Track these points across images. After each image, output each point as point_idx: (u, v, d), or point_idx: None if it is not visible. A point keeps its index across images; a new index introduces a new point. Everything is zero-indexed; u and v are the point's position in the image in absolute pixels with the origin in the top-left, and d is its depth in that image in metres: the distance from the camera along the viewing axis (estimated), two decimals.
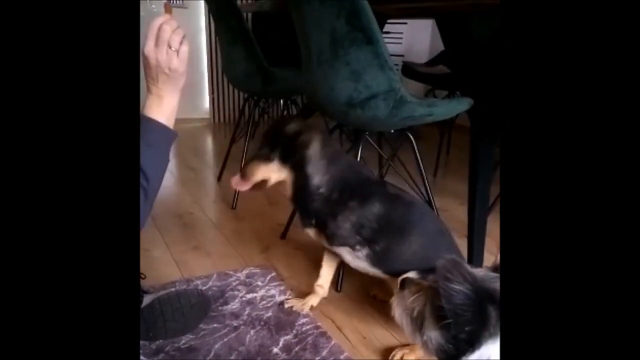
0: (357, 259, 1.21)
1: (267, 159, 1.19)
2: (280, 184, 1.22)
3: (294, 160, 1.17)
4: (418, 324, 0.70)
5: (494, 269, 0.71)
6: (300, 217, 1.26)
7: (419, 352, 1.16)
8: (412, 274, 1.15)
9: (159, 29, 0.87)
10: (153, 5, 3.27)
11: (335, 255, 1.34)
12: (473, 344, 0.61)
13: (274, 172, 1.20)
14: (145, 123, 0.90)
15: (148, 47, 0.88)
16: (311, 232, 1.25)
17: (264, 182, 1.21)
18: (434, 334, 0.66)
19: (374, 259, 1.19)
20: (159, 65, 0.89)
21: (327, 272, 1.37)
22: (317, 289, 1.36)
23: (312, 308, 1.34)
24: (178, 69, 0.91)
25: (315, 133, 1.19)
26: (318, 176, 1.17)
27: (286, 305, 1.34)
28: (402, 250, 1.17)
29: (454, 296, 0.61)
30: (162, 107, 0.92)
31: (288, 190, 1.22)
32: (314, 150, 1.17)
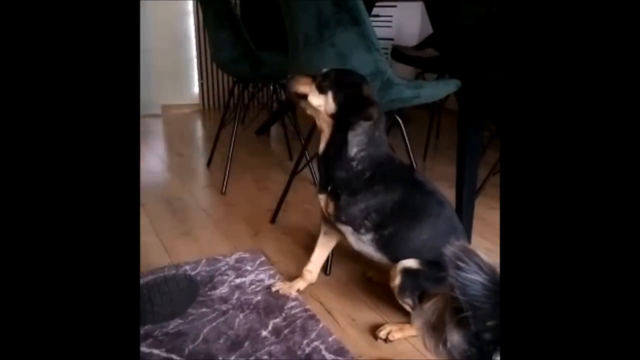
0: (361, 242, 1.22)
1: (322, 89, 1.14)
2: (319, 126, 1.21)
3: (345, 119, 1.13)
4: (439, 332, 0.62)
5: None
6: (319, 180, 1.25)
7: (407, 332, 1.17)
8: (412, 262, 1.16)
9: None
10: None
11: (332, 238, 1.34)
12: (498, 342, 0.54)
13: (315, 99, 1.15)
14: None
15: None
16: (322, 200, 1.24)
17: (302, 96, 1.17)
18: (456, 339, 0.59)
19: (379, 244, 1.19)
20: None
21: (318, 257, 1.37)
22: (305, 273, 1.36)
23: (299, 291, 1.34)
24: None
25: (377, 110, 1.14)
26: (355, 149, 1.15)
27: (273, 289, 1.35)
28: (410, 237, 1.17)
29: (470, 286, 0.53)
30: None
31: (322, 144, 1.20)
32: (366, 124, 1.14)
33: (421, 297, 0.83)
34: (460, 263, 0.54)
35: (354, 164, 1.16)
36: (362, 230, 1.19)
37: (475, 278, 0.53)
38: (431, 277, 1.12)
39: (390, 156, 1.21)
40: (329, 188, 1.21)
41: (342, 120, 1.14)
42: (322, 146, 1.20)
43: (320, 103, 1.15)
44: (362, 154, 1.15)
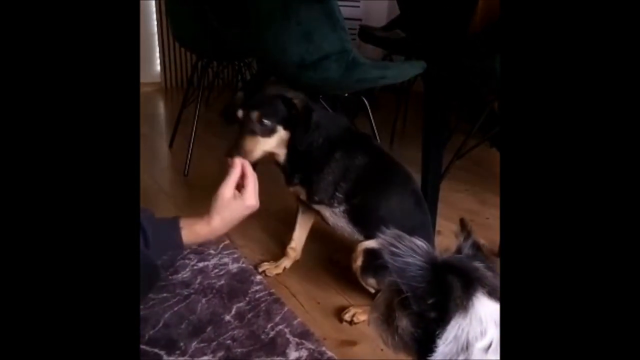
0: (335, 216, 1.22)
1: (270, 131, 1.15)
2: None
3: (296, 126, 1.14)
4: (391, 322, 0.63)
5: (457, 251, 0.65)
6: (285, 176, 1.25)
7: None
8: (374, 242, 1.15)
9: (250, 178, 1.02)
10: None
11: (309, 217, 1.34)
12: (441, 319, 0.55)
13: (275, 145, 1.17)
14: (173, 228, 0.99)
15: (253, 196, 1.02)
16: (293, 190, 1.26)
17: (268, 153, 1.18)
18: (404, 323, 0.60)
19: (351, 215, 1.20)
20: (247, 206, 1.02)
21: (299, 234, 1.37)
22: (289, 251, 1.37)
23: (264, 275, 1.33)
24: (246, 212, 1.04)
25: (301, 95, 1.17)
26: (317, 132, 1.17)
27: (259, 269, 1.34)
28: (379, 206, 1.18)
29: (406, 269, 0.55)
30: (198, 233, 1.02)
31: (281, 156, 1.20)
32: (316, 113, 1.16)
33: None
34: (394, 248, 0.56)
35: (314, 145, 1.17)
36: (335, 203, 1.20)
37: (410, 260, 0.55)
38: None
39: (336, 118, 1.24)
40: (298, 179, 1.22)
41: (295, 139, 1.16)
42: (282, 159, 1.21)
43: (278, 144, 1.17)
44: (316, 133, 1.17)
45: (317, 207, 1.24)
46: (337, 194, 1.18)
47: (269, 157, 1.20)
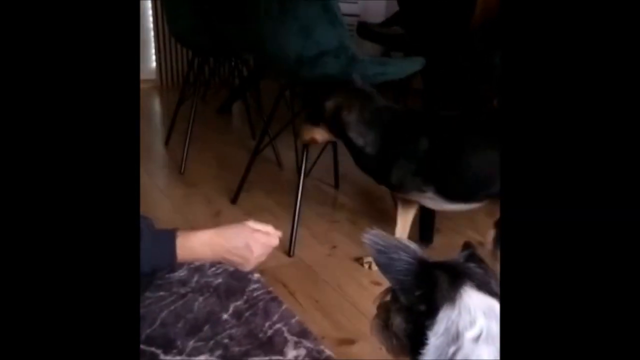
0: (431, 200, 1.22)
1: (315, 123, 1.28)
2: None
3: (336, 128, 1.23)
4: (388, 325, 0.64)
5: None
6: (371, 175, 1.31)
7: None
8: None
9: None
10: None
11: (409, 209, 1.34)
12: (430, 312, 0.57)
13: (320, 135, 1.29)
14: (168, 239, 0.87)
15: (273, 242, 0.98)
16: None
17: (314, 140, 1.33)
18: (398, 321, 0.62)
19: (446, 192, 1.19)
20: (258, 250, 0.95)
21: (402, 225, 1.36)
22: None
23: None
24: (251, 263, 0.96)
25: (354, 101, 1.21)
26: (361, 138, 1.20)
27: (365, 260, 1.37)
28: (468, 172, 1.16)
29: (392, 265, 0.58)
30: (196, 248, 0.90)
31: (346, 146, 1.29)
32: (352, 116, 1.20)
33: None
34: (379, 247, 0.59)
35: (368, 150, 1.21)
36: (423, 188, 1.20)
37: (395, 256, 0.58)
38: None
39: (392, 113, 1.24)
40: (379, 179, 1.26)
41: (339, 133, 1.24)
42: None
43: (325, 136, 1.29)
44: (370, 137, 1.20)
45: (410, 197, 1.26)
46: (417, 179, 1.18)
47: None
